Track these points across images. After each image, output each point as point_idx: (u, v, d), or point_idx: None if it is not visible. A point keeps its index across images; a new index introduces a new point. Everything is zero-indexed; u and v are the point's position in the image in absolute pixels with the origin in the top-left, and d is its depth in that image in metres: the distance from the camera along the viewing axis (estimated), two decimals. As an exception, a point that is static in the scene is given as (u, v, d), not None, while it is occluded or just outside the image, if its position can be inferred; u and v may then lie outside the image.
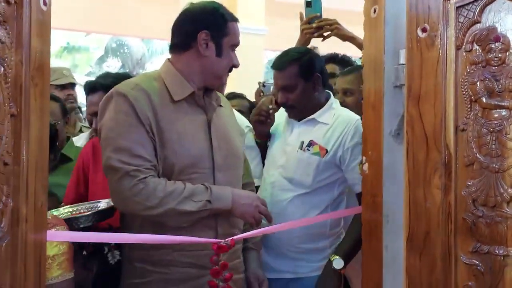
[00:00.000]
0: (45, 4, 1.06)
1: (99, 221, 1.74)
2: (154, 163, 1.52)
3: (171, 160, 1.54)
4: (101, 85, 1.97)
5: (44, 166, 1.09)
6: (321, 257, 1.93)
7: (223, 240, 1.53)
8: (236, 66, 1.68)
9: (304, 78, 1.95)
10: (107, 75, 2.15)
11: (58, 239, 1.41)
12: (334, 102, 2.04)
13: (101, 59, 17.39)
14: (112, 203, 1.66)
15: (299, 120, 2.02)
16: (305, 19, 2.26)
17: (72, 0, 7.01)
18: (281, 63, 1.98)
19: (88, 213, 1.71)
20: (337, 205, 1.98)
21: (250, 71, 5.06)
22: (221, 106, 1.74)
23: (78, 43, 16.66)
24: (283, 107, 2.02)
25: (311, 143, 1.95)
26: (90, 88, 2.03)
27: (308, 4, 2.24)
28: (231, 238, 1.55)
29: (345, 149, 1.90)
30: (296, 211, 1.91)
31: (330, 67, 2.58)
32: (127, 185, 1.48)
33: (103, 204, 1.78)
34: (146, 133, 1.52)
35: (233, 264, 1.62)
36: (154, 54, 17.24)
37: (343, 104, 2.12)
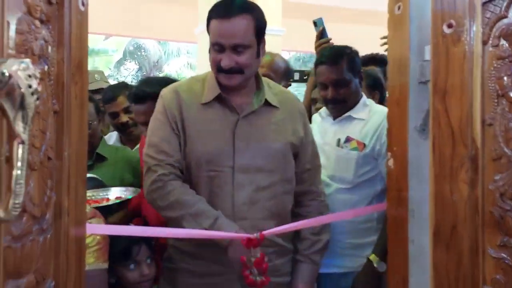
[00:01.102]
0: (83, 4, 1.10)
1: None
2: (177, 158, 1.59)
3: (189, 156, 1.61)
4: (148, 94, 1.94)
5: (83, 162, 1.13)
6: (369, 252, 1.91)
7: (253, 234, 1.52)
8: (221, 67, 1.57)
9: (353, 73, 1.98)
10: (149, 81, 2.13)
11: (96, 231, 1.46)
12: (367, 99, 2.05)
13: (120, 62, 17.57)
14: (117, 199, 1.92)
15: (334, 119, 2.03)
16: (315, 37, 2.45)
17: (91, 3, 7.10)
18: (334, 57, 1.97)
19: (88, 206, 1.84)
20: (381, 200, 1.93)
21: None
22: (272, 106, 1.68)
23: (98, 46, 16.88)
24: (332, 103, 1.99)
25: (348, 139, 1.96)
26: (138, 98, 2.00)
27: (315, 24, 2.49)
28: (259, 232, 1.54)
29: (382, 142, 1.90)
30: (341, 208, 1.90)
31: (370, 68, 2.59)
32: (148, 179, 1.58)
33: (111, 194, 1.97)
34: (172, 129, 1.60)
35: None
36: (171, 56, 17.34)
37: None
